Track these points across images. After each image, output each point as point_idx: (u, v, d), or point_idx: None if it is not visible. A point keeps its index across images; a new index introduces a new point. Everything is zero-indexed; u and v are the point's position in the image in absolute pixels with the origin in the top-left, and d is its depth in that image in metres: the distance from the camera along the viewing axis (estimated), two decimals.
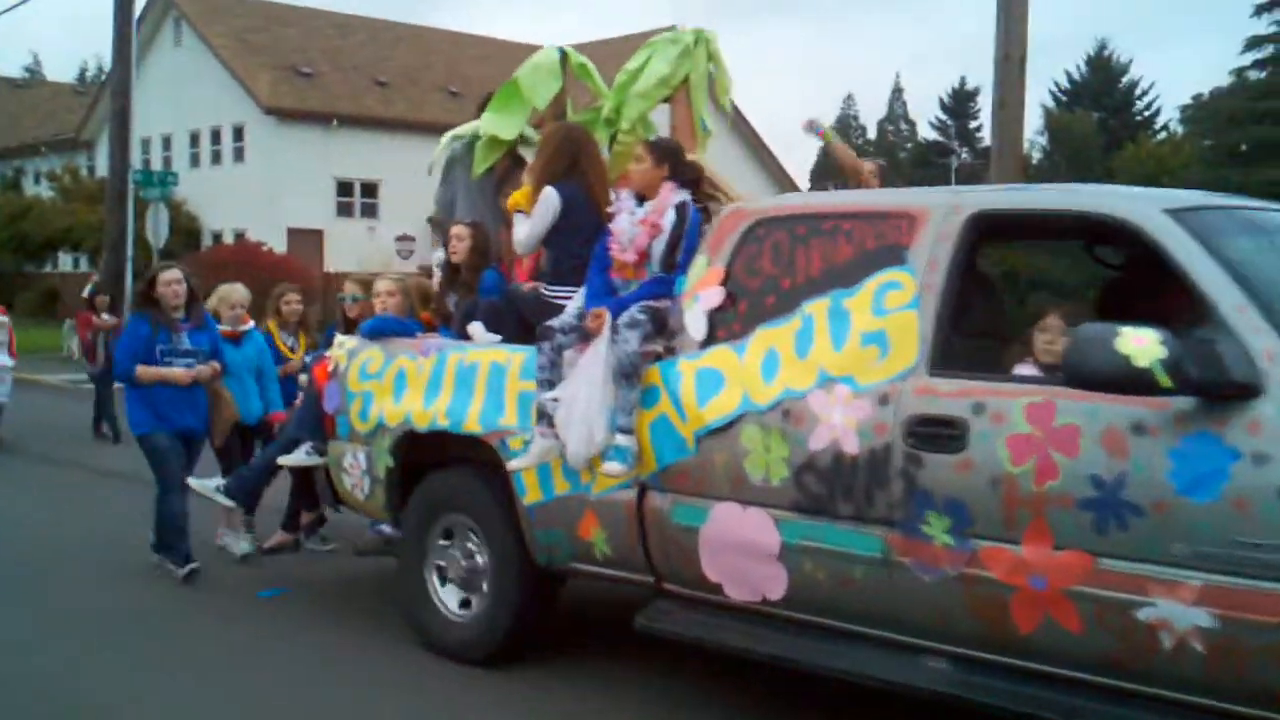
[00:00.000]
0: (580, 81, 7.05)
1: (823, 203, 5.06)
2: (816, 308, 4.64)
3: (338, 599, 6.86)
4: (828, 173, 64.08)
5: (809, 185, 48.16)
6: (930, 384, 4.27)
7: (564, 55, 6.89)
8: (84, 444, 13.12)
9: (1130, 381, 3.67)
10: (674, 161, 5.45)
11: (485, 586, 5.72)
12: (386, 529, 6.79)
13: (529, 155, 6.87)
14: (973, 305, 4.65)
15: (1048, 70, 63.95)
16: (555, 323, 5.26)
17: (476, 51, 42.14)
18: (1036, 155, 44.51)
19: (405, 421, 5.86)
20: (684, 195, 5.38)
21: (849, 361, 4.48)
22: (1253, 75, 36.47)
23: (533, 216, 5.63)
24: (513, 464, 5.31)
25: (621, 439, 4.95)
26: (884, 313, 4.46)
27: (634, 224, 5.32)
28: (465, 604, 5.84)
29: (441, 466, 5.95)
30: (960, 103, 56.95)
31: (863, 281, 4.54)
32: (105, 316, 13.62)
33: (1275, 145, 32.86)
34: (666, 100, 6.42)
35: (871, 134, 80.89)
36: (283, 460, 6.53)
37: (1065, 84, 51.39)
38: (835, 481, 4.43)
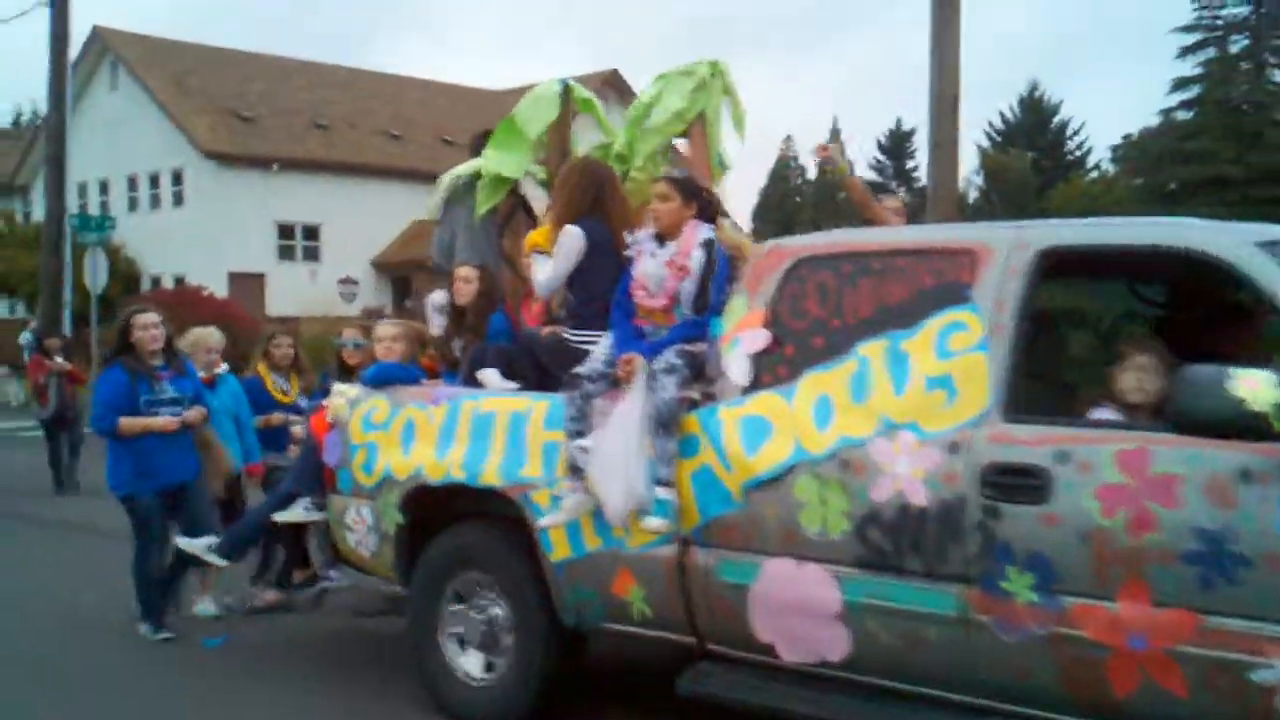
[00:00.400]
0: (585, 116, 6.74)
1: (870, 240, 4.79)
2: (872, 350, 4.36)
3: (336, 659, 6.43)
4: (768, 212, 64.38)
5: (751, 226, 48.17)
6: (1006, 430, 3.99)
7: (567, 89, 6.58)
8: (47, 496, 12.54)
9: (1243, 426, 3.42)
10: (700, 199, 5.16)
11: (506, 647, 5.34)
12: (334, 575, 6.45)
13: (532, 195, 6.57)
14: (1039, 346, 4.39)
15: (982, 111, 64.92)
16: (583, 370, 4.92)
17: (417, 95, 41.83)
18: (973, 194, 44.95)
19: (416, 474, 5.48)
20: (709, 232, 5.08)
21: (912, 407, 4.20)
22: (1180, 115, 37.17)
23: (555, 257, 5.30)
24: (545, 521, 4.94)
25: (662, 492, 4.62)
26: (949, 355, 4.18)
27: (660, 266, 5.00)
28: (489, 667, 5.45)
29: (454, 521, 5.57)
30: (897, 143, 57.41)
31: (922, 322, 4.27)
32: (58, 360, 13.00)
33: (1202, 184, 33.46)
34: (681, 135, 6.14)
35: (811, 173, 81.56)
36: (279, 516, 6.09)
37: (999, 124, 52.09)
38: (903, 535, 4.13)
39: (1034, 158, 47.23)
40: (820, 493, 4.31)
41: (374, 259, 36.99)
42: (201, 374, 7.16)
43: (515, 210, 6.52)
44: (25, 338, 28.54)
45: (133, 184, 37.10)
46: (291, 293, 34.60)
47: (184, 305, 29.95)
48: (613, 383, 4.86)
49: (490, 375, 5.49)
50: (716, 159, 6.17)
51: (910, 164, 56.49)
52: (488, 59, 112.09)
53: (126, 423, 6.52)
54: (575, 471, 4.85)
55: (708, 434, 4.64)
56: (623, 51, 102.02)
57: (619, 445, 4.69)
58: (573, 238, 5.25)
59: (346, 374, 6.58)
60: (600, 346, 5.06)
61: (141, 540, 6.65)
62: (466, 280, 6.05)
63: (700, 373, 4.80)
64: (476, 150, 6.71)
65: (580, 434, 4.84)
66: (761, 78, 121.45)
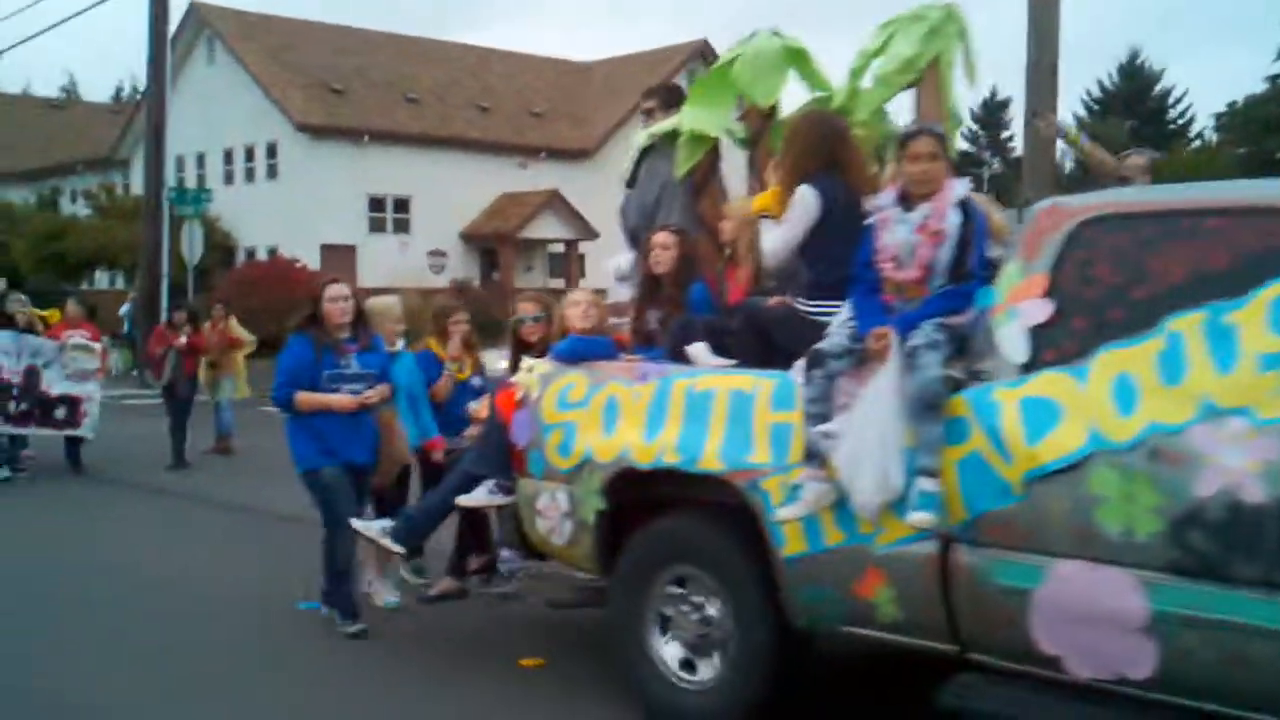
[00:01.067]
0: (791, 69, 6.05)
1: (1176, 198, 4.15)
2: (1185, 324, 3.72)
3: (510, 649, 5.94)
4: None
5: None
6: None
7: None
8: (167, 469, 12.25)
9: None
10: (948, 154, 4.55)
11: (722, 648, 4.81)
12: (507, 555, 5.96)
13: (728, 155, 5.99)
14: None
15: (1079, 80, 63.05)
16: (825, 346, 4.36)
17: (504, 67, 41.39)
18: (1069, 165, 43.62)
19: (621, 457, 4.95)
20: (963, 189, 4.46)
21: (1243, 390, 3.57)
22: None
23: (786, 220, 4.71)
24: (782, 513, 4.38)
25: (926, 483, 4.04)
26: None
27: (910, 233, 4.38)
28: (701, 668, 4.93)
29: (659, 509, 5.05)
30: (991, 113, 55.94)
31: (1252, 292, 3.63)
32: (183, 338, 12.63)
33: None
34: (911, 86, 5.50)
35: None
36: (463, 500, 5.60)
37: (1097, 93, 50.47)
38: (1232, 538, 3.52)
39: (1133, 126, 45.71)
40: (1124, 487, 3.70)
41: (462, 231, 36.68)
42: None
43: (713, 172, 5.95)
44: (125, 309, 28.61)
45: (228, 157, 37.08)
46: (382, 264, 34.45)
47: (277, 277, 30.01)
48: (861, 359, 4.29)
49: (700, 350, 4.95)
50: (951, 111, 5.51)
51: (1005, 134, 55.09)
52: (575, 30, 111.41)
53: (303, 398, 6.05)
54: (815, 458, 4.29)
55: (979, 418, 4.04)
56: (713, 22, 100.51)
57: (872, 430, 4.12)
58: (807, 199, 4.66)
59: (522, 351, 6.05)
60: (840, 319, 4.48)
61: (331, 521, 6.15)
62: (665, 247, 5.49)
63: (964, 348, 4.21)
64: (665, 105, 6.11)
65: (822, 417, 4.27)
66: (851, 50, 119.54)
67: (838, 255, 4.60)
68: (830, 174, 4.69)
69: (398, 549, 6.03)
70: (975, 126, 56.72)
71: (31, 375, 11.62)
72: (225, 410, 13.35)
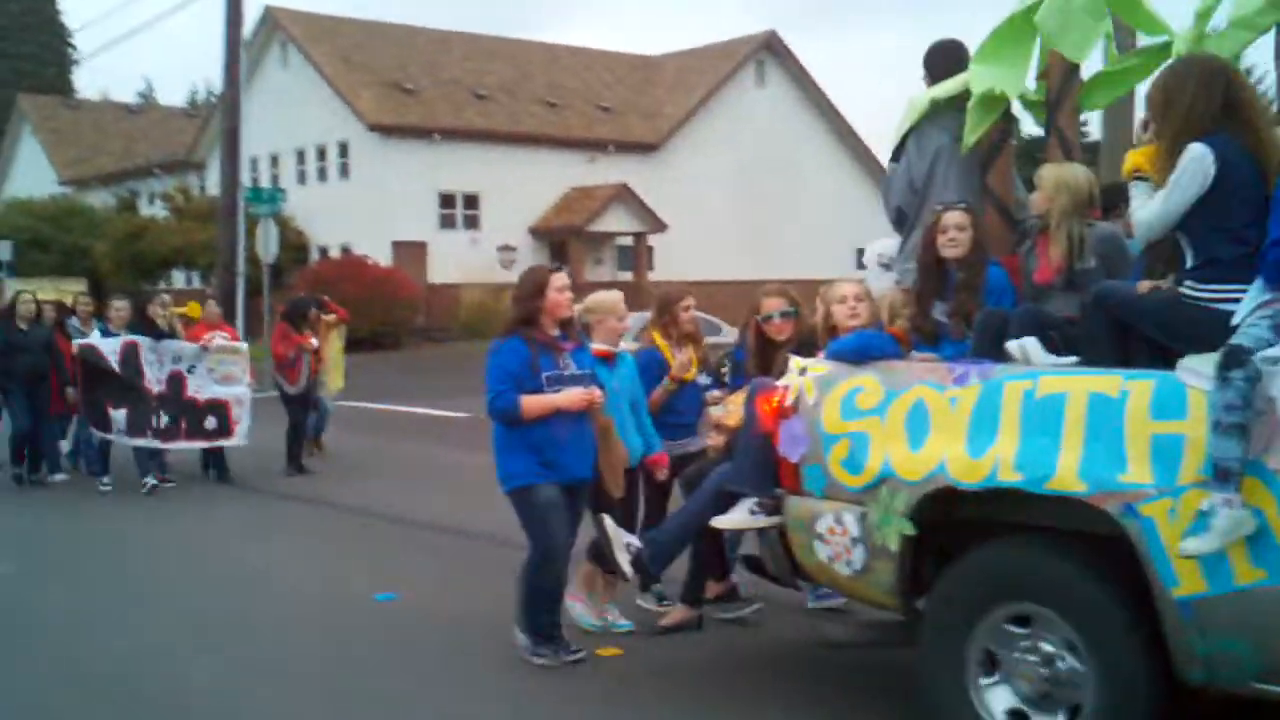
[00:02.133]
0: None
1: None
2: None
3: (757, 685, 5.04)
4: None
5: None
6: None
7: None
8: (285, 474, 11.32)
9: None
10: None
11: (1076, 705, 3.87)
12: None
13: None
14: None
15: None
16: (1244, 339, 3.42)
17: (572, 63, 40.69)
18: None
19: (935, 475, 4.03)
20: None
21: None
22: None
23: (1172, 184, 3.75)
24: (1190, 546, 3.44)
25: None
26: None
27: None
28: (1017, 716, 4.02)
29: (977, 535, 4.13)
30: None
31: None
32: (313, 339, 11.55)
33: None
34: (1268, 29, 4.51)
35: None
36: (719, 522, 4.69)
37: None
38: None
39: None
40: None
41: (531, 225, 36.00)
42: (601, 347, 5.73)
43: (1005, 138, 5.02)
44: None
45: (301, 157, 36.69)
46: (452, 261, 34.00)
47: (351, 274, 29.48)
48: None
49: (1033, 346, 4.02)
50: None
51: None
52: (642, 25, 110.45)
53: (530, 402, 5.14)
54: (1230, 479, 3.36)
55: None
56: (780, 13, 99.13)
57: None
58: (1197, 160, 3.70)
59: (769, 350, 5.15)
60: (1247, 305, 3.54)
61: (540, 543, 5.22)
62: (959, 227, 4.56)
63: None
64: (936, 72, 5.15)
65: (1243, 429, 3.34)
66: (911, 30, 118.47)
67: (1235, 228, 3.66)
68: (1224, 128, 3.74)
69: (631, 574, 5.12)
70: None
71: (176, 382, 10.49)
72: (326, 407, 12.46)
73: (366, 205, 33.74)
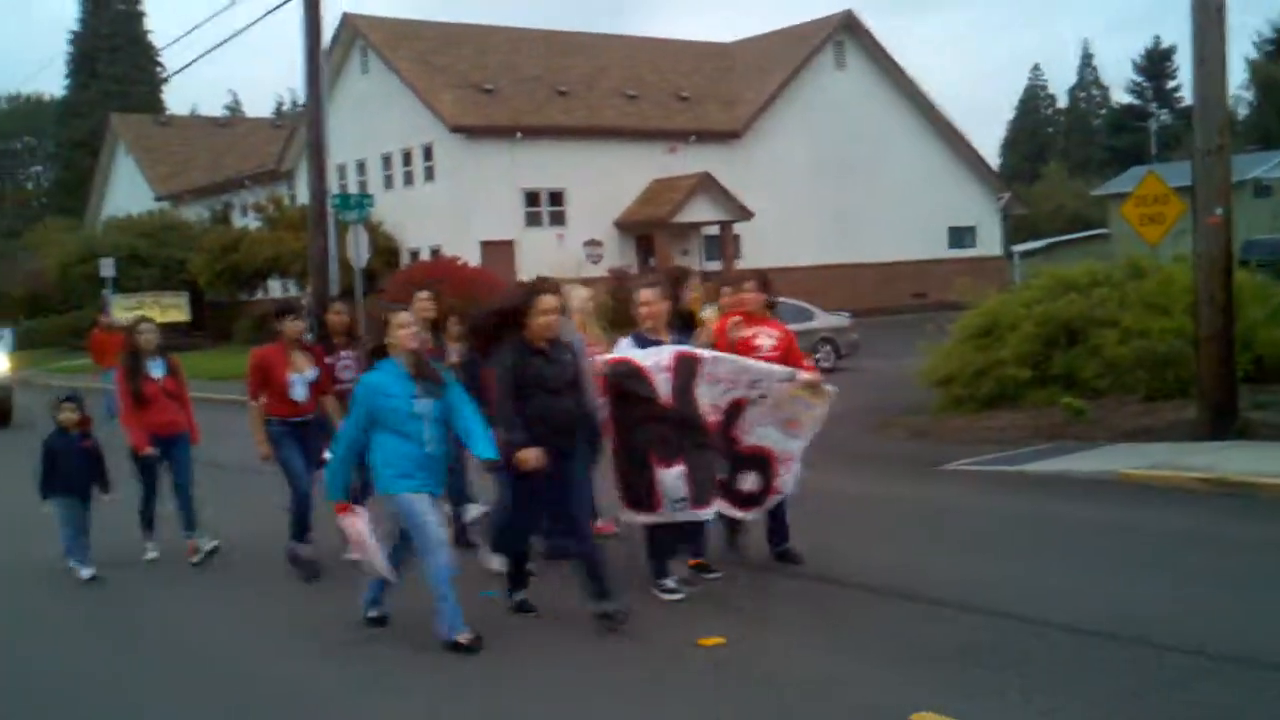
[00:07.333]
0: None
1: None
2: None
3: None
4: (1018, 145, 60.97)
5: (1000, 162, 45.97)
6: None
7: None
8: None
9: None
10: None
11: None
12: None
13: None
14: None
15: (1247, 20, 59.73)
16: None
17: (650, 54, 41.41)
18: (1242, 111, 41.52)
19: None
20: None
21: None
22: None
23: None
24: None
25: None
26: None
27: None
28: None
29: None
30: (1155, 63, 53.63)
31: None
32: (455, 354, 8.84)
33: None
34: None
35: (1062, 103, 77.27)
36: None
37: (1268, 34, 47.83)
38: None
39: None
40: None
41: (616, 219, 36.68)
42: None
43: None
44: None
45: (386, 162, 37.79)
46: (540, 258, 34.62)
47: (441, 275, 30.37)
48: None
49: None
50: None
51: (1171, 84, 52.70)
52: (717, 12, 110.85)
53: None
54: None
55: None
56: None
57: None
58: None
59: None
60: None
61: None
62: None
63: None
64: None
65: None
66: (1005, 9, 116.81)
67: None
68: None
69: None
70: (1139, 78, 54.48)
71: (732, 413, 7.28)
72: None
73: (453, 206, 34.72)
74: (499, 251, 34.77)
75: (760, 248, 35.65)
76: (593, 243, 36.15)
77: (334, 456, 6.57)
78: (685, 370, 6.94)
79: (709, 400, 7.06)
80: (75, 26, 67.17)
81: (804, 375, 7.44)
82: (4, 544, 9.84)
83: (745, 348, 7.46)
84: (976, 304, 15.09)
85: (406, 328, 6.47)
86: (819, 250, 37.86)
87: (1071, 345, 13.96)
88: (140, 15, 68.29)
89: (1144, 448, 11.33)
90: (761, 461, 7.38)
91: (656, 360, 6.90)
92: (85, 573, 8.41)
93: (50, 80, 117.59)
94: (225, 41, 27.67)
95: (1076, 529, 8.70)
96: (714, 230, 36.89)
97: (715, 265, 35.13)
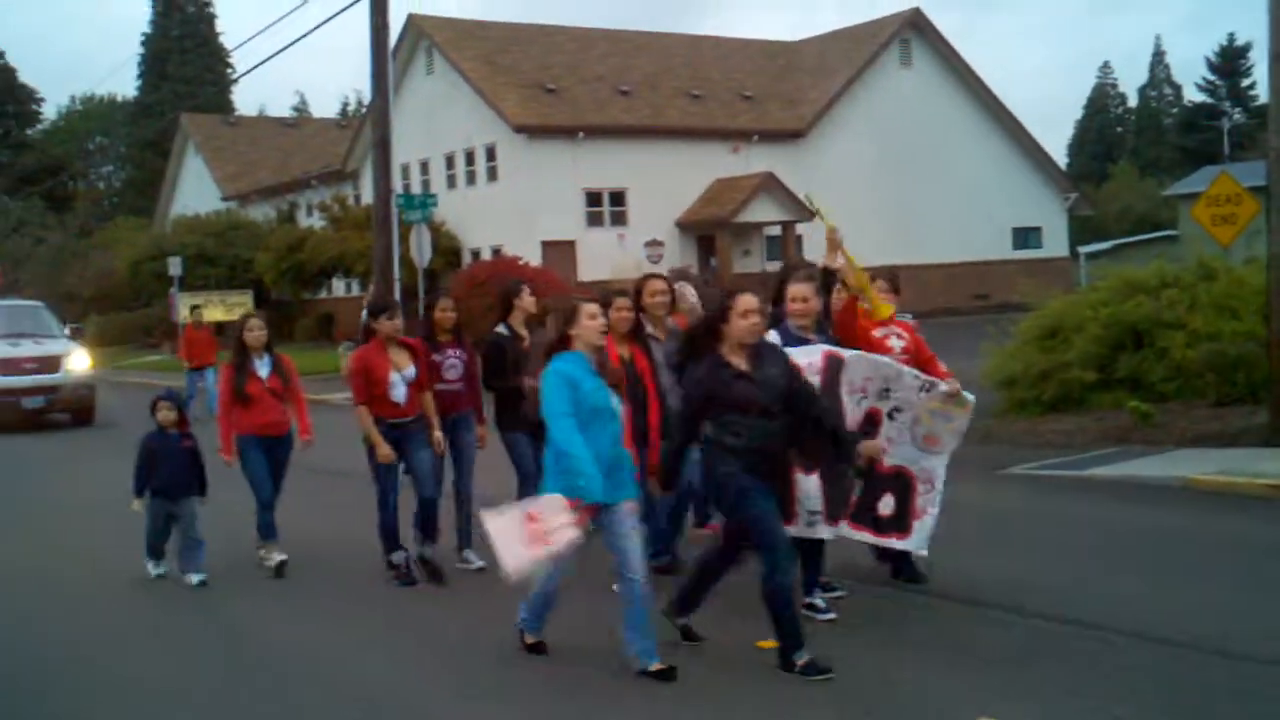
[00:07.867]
0: None
1: None
2: None
3: None
4: (1086, 145, 59.99)
5: (1067, 162, 45.31)
6: None
7: None
8: None
9: None
10: None
11: None
12: None
13: None
14: None
15: None
16: None
17: (714, 53, 41.42)
18: None
19: None
20: None
21: None
22: None
23: None
24: None
25: None
26: None
27: None
28: None
29: None
30: (1229, 60, 52.68)
31: None
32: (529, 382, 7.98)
33: None
34: None
35: (1133, 102, 76.25)
36: None
37: None
38: None
39: None
40: None
41: (678, 219, 36.71)
42: None
43: None
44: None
45: (450, 162, 38.11)
46: (601, 258, 34.77)
47: (502, 275, 30.55)
48: None
49: None
50: None
51: (1245, 82, 51.67)
52: (785, 13, 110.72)
53: None
54: None
55: None
56: None
57: None
58: None
59: None
60: None
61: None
62: None
63: None
64: None
65: None
66: (1075, 6, 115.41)
67: None
68: None
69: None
70: (1212, 77, 53.46)
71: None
72: None
73: (515, 206, 34.93)
74: (560, 252, 34.92)
75: (822, 248, 35.37)
76: (654, 243, 36.12)
77: (577, 456, 5.64)
78: (833, 372, 6.50)
79: (849, 414, 6.56)
80: (147, 29, 68.64)
81: (943, 386, 6.84)
82: (117, 552, 9.15)
83: (878, 348, 6.97)
84: (1040, 305, 14.95)
85: (596, 319, 5.96)
86: (882, 251, 37.25)
87: (1139, 348, 13.78)
88: (211, 17, 69.62)
89: (1213, 453, 11.16)
90: (902, 482, 6.81)
91: (810, 361, 6.39)
92: (155, 571, 8.40)
93: (123, 82, 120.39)
94: (294, 43, 28.03)
95: (1143, 535, 8.59)
96: (775, 231, 36.80)
97: (776, 266, 34.99)
